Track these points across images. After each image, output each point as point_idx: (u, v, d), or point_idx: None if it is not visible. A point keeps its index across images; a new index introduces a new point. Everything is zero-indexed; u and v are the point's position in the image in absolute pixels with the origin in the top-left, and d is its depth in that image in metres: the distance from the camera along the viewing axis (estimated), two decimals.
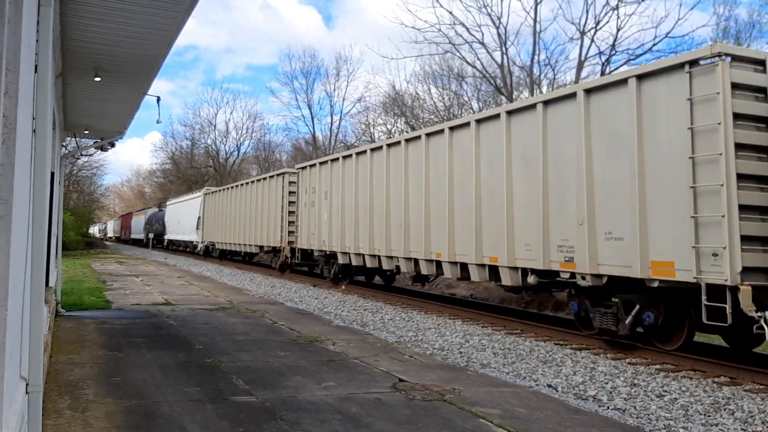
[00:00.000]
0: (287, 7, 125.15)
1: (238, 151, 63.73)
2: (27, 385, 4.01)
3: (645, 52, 22.90)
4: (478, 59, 28.27)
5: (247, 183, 29.70)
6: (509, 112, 11.82)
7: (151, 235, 44.03)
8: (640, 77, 9.13)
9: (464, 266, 13.04)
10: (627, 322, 9.52)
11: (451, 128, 13.60)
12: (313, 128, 51.45)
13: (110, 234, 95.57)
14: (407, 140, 15.44)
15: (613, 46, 24.08)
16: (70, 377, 6.67)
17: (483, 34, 27.56)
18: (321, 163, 20.84)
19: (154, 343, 8.78)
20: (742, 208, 7.97)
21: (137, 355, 7.98)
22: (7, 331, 2.79)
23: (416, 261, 14.78)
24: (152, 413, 5.44)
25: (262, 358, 7.99)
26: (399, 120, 36.54)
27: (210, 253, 36.68)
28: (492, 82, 28.10)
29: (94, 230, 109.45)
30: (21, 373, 3.77)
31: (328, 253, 19.80)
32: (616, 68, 23.51)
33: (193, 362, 7.60)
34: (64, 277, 15.75)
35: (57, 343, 8.53)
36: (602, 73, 23.28)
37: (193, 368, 7.27)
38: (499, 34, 26.81)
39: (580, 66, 24.70)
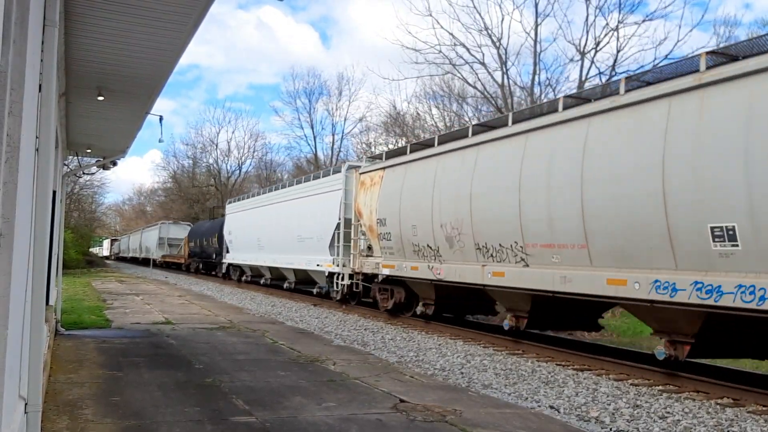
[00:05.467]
0: (283, 26, 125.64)
1: (240, 170, 64.05)
2: (26, 404, 3.98)
3: (645, 73, 22.97)
4: (479, 80, 28.50)
5: None
6: None
7: None
8: None
9: None
10: None
11: None
12: (315, 148, 51.73)
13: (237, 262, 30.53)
14: None
15: (613, 66, 24.28)
16: (69, 396, 6.62)
17: (483, 55, 27.83)
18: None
19: (153, 363, 8.73)
20: None
21: (137, 374, 7.93)
22: (7, 351, 2.78)
23: None
24: None
25: (262, 377, 7.94)
26: (400, 140, 36.69)
27: None
28: (493, 102, 28.27)
29: (135, 243, 63.82)
30: (20, 393, 3.75)
31: None
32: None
33: (192, 382, 7.55)
34: (64, 296, 15.70)
35: (56, 362, 8.49)
36: None
37: (192, 388, 7.22)
38: (499, 55, 27.07)
39: (580, 86, 24.83)
